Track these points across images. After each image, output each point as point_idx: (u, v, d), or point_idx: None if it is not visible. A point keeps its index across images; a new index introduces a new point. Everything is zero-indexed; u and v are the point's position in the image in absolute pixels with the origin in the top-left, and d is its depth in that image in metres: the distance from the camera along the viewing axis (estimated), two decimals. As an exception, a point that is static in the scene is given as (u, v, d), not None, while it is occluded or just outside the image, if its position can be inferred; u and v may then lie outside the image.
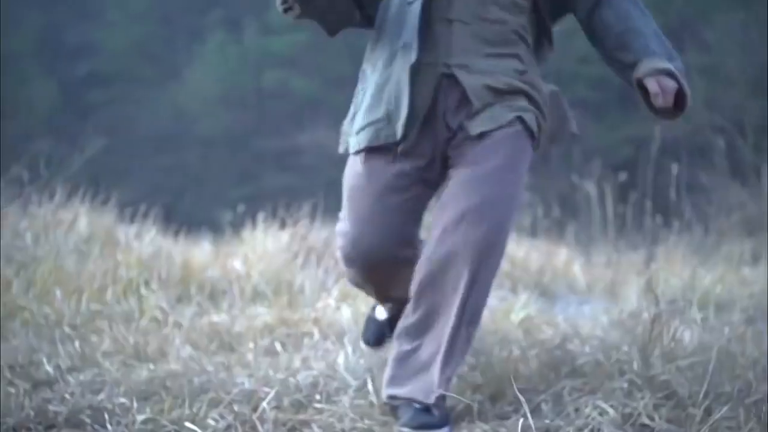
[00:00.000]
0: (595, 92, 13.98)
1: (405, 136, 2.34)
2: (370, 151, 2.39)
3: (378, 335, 2.80)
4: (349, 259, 2.45)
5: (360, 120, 2.41)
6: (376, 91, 2.38)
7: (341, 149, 2.51)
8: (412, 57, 2.31)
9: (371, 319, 2.87)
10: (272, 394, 2.22)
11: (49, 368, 2.78)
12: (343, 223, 2.45)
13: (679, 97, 2.35)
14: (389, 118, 2.35)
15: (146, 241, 5.64)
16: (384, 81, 2.37)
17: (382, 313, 2.80)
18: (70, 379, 2.64)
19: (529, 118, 2.39)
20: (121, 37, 19.91)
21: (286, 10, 2.37)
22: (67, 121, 17.29)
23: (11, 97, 16.98)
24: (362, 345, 2.89)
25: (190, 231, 7.05)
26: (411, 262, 2.39)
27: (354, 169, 2.44)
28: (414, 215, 2.45)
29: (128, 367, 2.96)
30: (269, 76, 19.32)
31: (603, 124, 13.91)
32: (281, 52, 18.85)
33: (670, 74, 2.32)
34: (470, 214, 2.29)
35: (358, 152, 2.42)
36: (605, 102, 14.01)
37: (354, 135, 2.42)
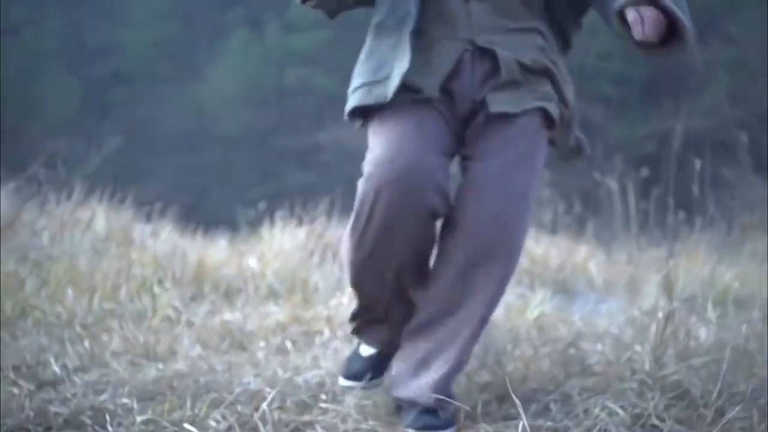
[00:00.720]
0: (617, 88, 13.88)
1: (408, 92, 2.24)
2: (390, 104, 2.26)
3: (373, 367, 2.51)
4: (381, 187, 2.15)
5: (356, 82, 2.33)
6: (375, 57, 2.31)
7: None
8: (411, 25, 2.25)
9: (357, 356, 2.56)
10: (273, 394, 2.17)
11: (56, 368, 2.75)
12: (373, 154, 2.22)
13: (677, 30, 2.15)
14: (384, 80, 2.26)
15: (162, 239, 5.63)
16: (384, 48, 2.30)
17: (367, 349, 2.55)
18: (76, 379, 2.62)
19: (552, 108, 2.31)
20: (142, 36, 19.97)
21: (304, 1, 2.33)
22: (89, 120, 17.35)
23: (34, 96, 17.08)
24: (342, 383, 2.50)
25: (210, 230, 7.05)
26: (443, 199, 2.21)
27: (378, 119, 2.29)
28: (448, 147, 2.27)
29: (136, 367, 2.94)
30: (290, 74, 19.32)
31: (625, 120, 13.80)
32: (302, 50, 18.84)
33: (654, 3, 2.12)
34: (491, 217, 2.22)
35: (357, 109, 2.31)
36: (627, 98, 13.89)
37: (350, 95, 2.34)
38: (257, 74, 19.46)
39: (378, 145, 2.23)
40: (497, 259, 2.22)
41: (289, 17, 18.87)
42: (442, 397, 2.18)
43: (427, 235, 2.27)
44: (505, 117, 2.27)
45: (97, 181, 6.92)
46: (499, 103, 2.26)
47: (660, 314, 2.35)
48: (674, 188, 7.90)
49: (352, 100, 2.32)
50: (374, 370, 2.51)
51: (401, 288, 2.34)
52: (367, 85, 2.28)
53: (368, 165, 2.21)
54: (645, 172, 7.78)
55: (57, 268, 4.28)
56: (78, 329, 3.49)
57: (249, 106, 18.76)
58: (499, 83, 2.27)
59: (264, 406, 2.03)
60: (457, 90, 2.29)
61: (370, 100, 2.27)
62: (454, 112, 2.30)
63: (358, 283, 2.36)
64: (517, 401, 1.38)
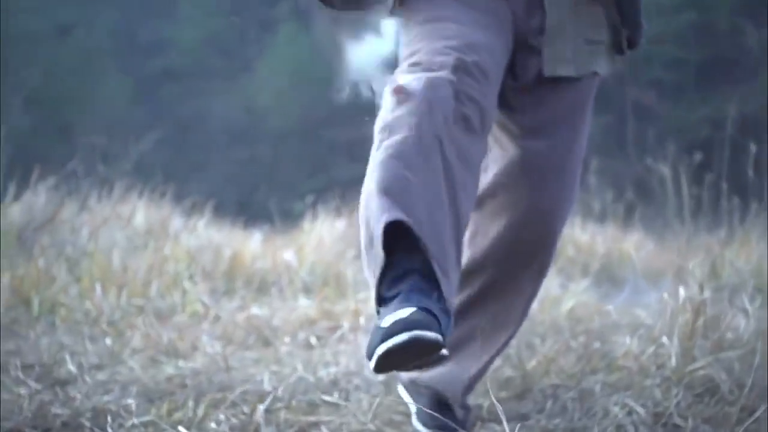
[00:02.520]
0: (670, 72, 13.59)
1: None
2: None
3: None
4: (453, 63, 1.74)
5: None
6: None
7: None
8: None
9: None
10: (273, 395, 2.08)
11: (71, 367, 2.69)
12: (419, 50, 1.81)
13: None
14: None
15: (200, 234, 5.60)
16: None
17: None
18: (87, 378, 2.55)
19: (604, 68, 2.01)
20: (192, 32, 20.06)
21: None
22: (141, 116, 17.48)
23: (87, 94, 17.26)
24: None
25: (259, 223, 7.01)
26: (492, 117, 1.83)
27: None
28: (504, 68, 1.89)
29: (155, 364, 2.87)
30: (339, 66, 19.19)
31: (679, 105, 13.51)
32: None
33: None
34: (545, 211, 2.00)
35: None
36: (681, 82, 13.60)
37: None
38: (306, 67, 19.43)
39: (430, 35, 1.83)
40: (542, 251, 2.05)
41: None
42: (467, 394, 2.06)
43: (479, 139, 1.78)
44: (560, 79, 1.96)
45: (147, 177, 6.93)
46: (554, 65, 1.93)
47: (687, 304, 2.20)
48: (728, 173, 7.70)
49: None
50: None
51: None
52: None
53: (418, 61, 1.79)
54: (699, 157, 7.59)
55: (90, 265, 4.25)
56: (104, 326, 3.44)
57: (298, 99, 18.74)
58: (550, 29, 1.92)
59: (261, 408, 1.94)
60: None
61: None
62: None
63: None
64: (497, 404, 1.27)
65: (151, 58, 19.81)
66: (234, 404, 2.10)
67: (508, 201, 2.00)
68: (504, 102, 1.94)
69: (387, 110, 1.74)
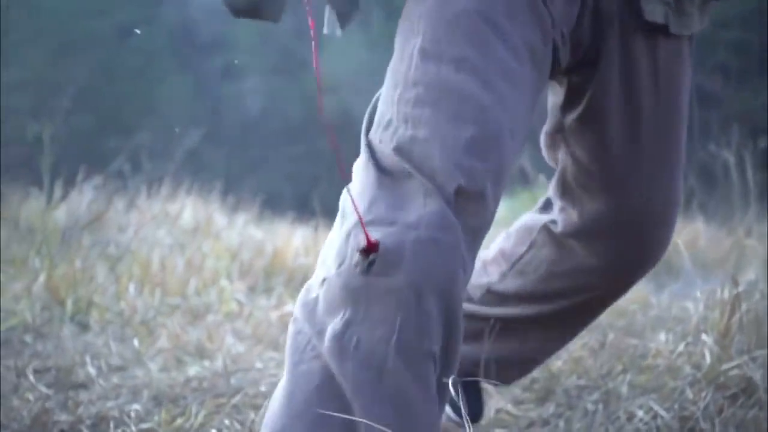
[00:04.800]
0: (735, 57, 13.22)
1: None
2: None
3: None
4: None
5: None
6: None
7: None
8: None
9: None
10: (267, 402, 1.97)
11: (91, 370, 2.63)
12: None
13: None
14: None
15: (243, 231, 5.54)
16: None
17: None
18: (102, 382, 2.48)
19: (699, 23, 1.62)
20: (251, 30, 20.13)
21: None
22: (201, 115, 17.58)
23: (148, 95, 17.42)
24: None
25: (317, 219, 6.94)
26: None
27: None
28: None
29: (179, 366, 2.80)
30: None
31: (744, 90, 13.14)
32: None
33: None
34: (634, 266, 1.69)
35: None
36: (746, 67, 13.22)
37: None
38: (364, 62, 19.37)
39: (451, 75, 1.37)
40: (622, 293, 1.77)
41: (394, 3, 18.67)
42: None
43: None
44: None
45: (202, 174, 6.92)
46: (655, 10, 1.51)
47: (725, 297, 2.05)
48: (794, 158, 7.44)
49: None
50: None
51: None
52: None
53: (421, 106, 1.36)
54: (764, 142, 7.37)
55: (130, 264, 4.21)
56: (135, 326, 3.37)
57: (356, 94, 18.71)
58: None
59: (262, 412, 1.84)
60: None
61: None
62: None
63: None
64: (466, 415, 1.15)
65: (210, 57, 19.95)
66: (238, 409, 2.00)
67: (594, 248, 1.67)
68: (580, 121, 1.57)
69: (350, 267, 1.26)
